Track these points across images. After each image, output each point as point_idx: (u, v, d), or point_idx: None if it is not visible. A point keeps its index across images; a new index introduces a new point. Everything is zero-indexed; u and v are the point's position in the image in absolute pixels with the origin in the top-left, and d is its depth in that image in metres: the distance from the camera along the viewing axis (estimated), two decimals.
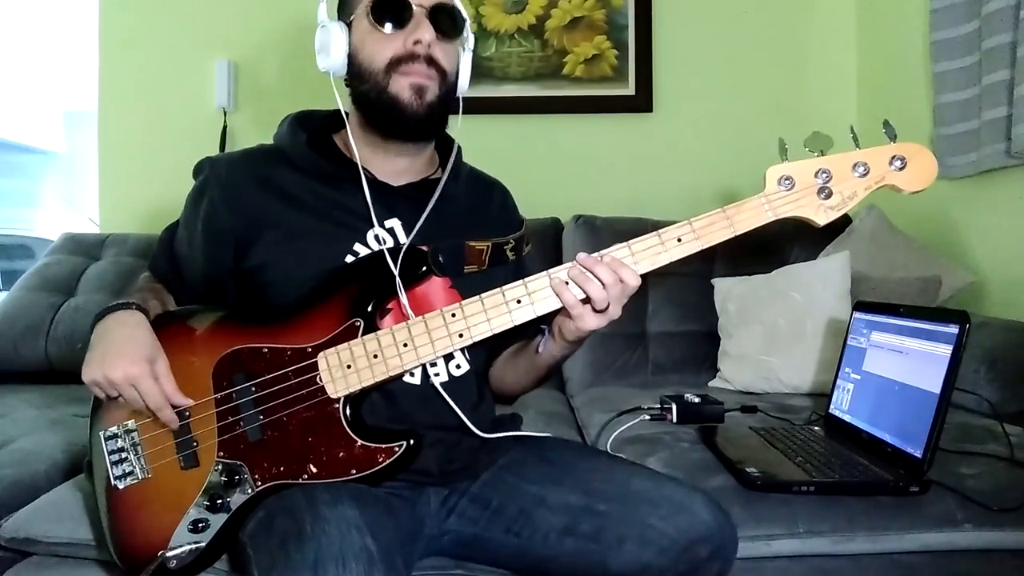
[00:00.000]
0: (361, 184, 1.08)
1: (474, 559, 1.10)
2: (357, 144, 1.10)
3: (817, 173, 0.97)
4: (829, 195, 0.97)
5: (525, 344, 1.17)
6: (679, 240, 0.98)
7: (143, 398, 0.96)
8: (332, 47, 1.07)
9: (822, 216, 0.97)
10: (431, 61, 1.05)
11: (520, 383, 1.20)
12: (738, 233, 0.97)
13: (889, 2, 2.44)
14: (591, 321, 0.97)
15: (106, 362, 0.95)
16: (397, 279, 1.00)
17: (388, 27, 1.04)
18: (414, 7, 1.04)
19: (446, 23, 1.07)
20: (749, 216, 0.97)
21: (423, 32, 1.04)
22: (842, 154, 0.98)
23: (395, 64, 1.05)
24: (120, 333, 0.98)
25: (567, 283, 0.97)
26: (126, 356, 0.95)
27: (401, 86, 1.05)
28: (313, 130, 1.14)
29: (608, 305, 0.96)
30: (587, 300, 0.97)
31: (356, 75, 1.08)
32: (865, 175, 0.97)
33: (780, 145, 0.98)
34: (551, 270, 0.98)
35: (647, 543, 0.95)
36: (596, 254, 0.97)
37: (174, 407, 0.98)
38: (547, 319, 1.05)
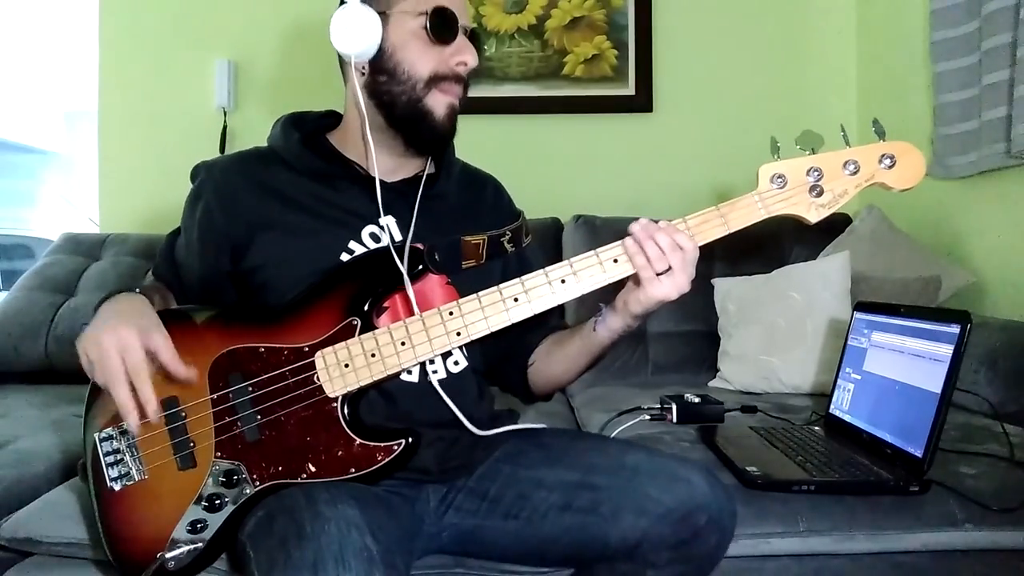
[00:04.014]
0: (356, 182, 1.09)
1: (474, 554, 1.10)
2: (355, 139, 1.10)
3: (809, 171, 0.98)
4: (820, 193, 0.98)
5: (569, 333, 1.16)
6: None
7: (125, 365, 0.90)
8: (364, 33, 1.02)
9: (813, 214, 0.98)
10: (465, 84, 1.09)
11: (571, 370, 1.17)
12: (732, 231, 0.98)
13: (889, 2, 2.44)
14: (659, 289, 0.97)
15: (100, 327, 0.93)
16: (405, 275, 1.00)
17: (440, 41, 1.05)
18: (461, 27, 1.06)
19: (478, 45, 1.10)
20: (742, 214, 0.98)
21: (469, 56, 1.07)
22: (833, 152, 0.98)
23: (437, 79, 1.06)
24: (120, 307, 0.98)
25: (639, 244, 0.97)
26: (121, 321, 0.93)
27: (438, 102, 1.06)
28: (306, 131, 1.14)
29: (668, 267, 0.96)
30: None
31: (388, 73, 1.06)
32: (855, 173, 0.98)
33: (772, 143, 0.99)
34: (549, 268, 0.99)
35: (644, 513, 0.96)
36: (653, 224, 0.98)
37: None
38: (606, 300, 1.05)
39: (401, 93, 1.06)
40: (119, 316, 0.95)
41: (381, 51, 1.05)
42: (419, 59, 1.05)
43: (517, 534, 1.04)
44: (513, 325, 0.99)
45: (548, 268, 0.99)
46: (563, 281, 0.98)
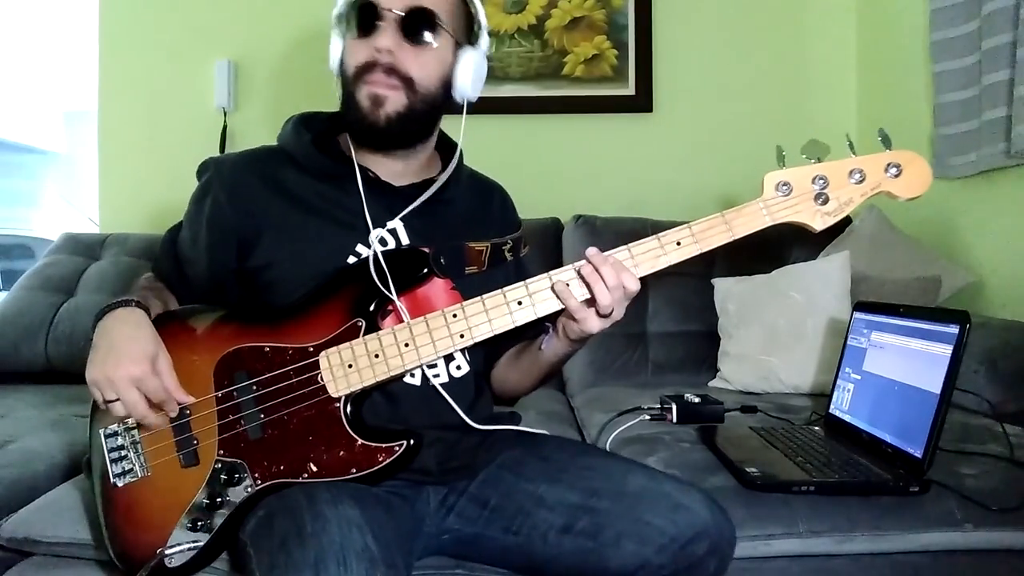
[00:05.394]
0: (365, 185, 1.08)
1: (474, 558, 1.10)
2: (354, 145, 1.10)
3: (814, 179, 0.98)
4: (826, 201, 0.98)
5: (527, 345, 1.17)
6: (678, 244, 0.98)
7: (148, 395, 0.95)
8: (331, 52, 1.09)
9: (819, 222, 0.98)
10: (391, 70, 1.04)
11: (523, 383, 1.21)
12: (736, 237, 0.99)
13: (889, 2, 2.45)
14: (595, 323, 0.98)
15: (108, 363, 0.94)
16: (389, 283, 1.00)
17: (356, 33, 1.05)
18: (384, 13, 1.03)
19: (417, 28, 1.04)
20: (747, 221, 0.98)
21: (381, 39, 1.03)
22: (838, 161, 0.99)
23: (361, 72, 1.05)
24: (121, 332, 0.98)
25: (568, 285, 0.97)
26: (128, 356, 0.95)
27: (362, 93, 1.04)
28: (317, 131, 1.14)
29: (612, 309, 0.97)
30: (590, 302, 0.97)
31: (340, 80, 1.09)
32: (861, 182, 0.98)
33: (778, 152, 0.99)
34: (552, 272, 0.99)
35: (645, 541, 0.96)
36: (603, 254, 0.97)
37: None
38: (551, 318, 1.05)
39: (344, 93, 1.07)
40: (122, 347, 0.96)
41: (340, 63, 1.09)
42: (349, 56, 1.06)
43: (517, 550, 1.04)
44: None
45: (552, 272, 0.99)
46: (567, 284, 0.98)
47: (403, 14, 1.03)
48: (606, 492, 1.02)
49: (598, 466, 1.08)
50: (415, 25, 1.04)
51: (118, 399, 0.95)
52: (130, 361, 0.94)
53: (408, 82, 1.05)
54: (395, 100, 1.04)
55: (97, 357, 0.96)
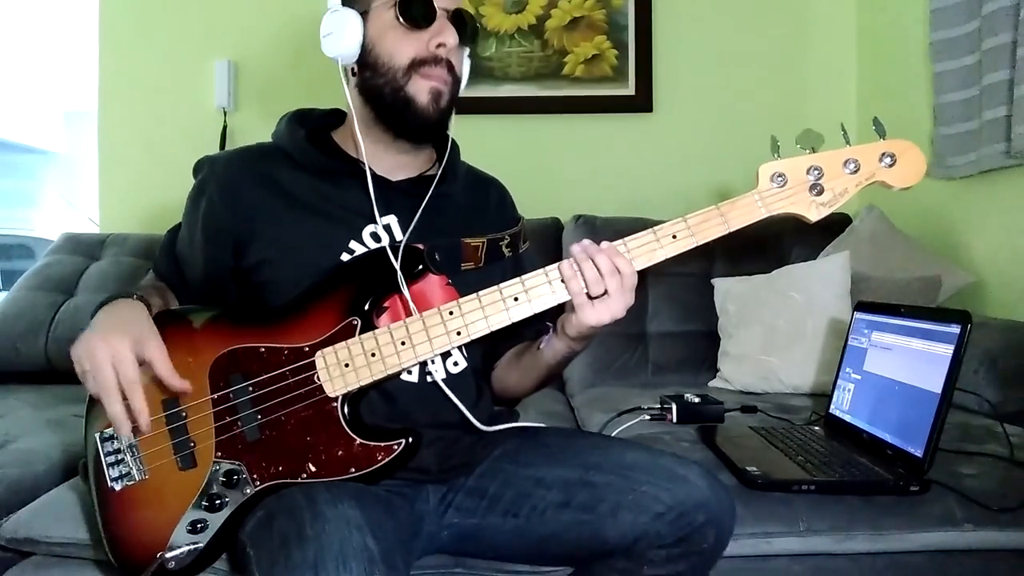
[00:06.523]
0: (359, 180, 1.08)
1: (474, 553, 1.10)
2: (358, 137, 1.10)
3: (809, 170, 0.98)
4: (821, 192, 0.98)
5: (528, 345, 1.17)
6: (674, 236, 0.98)
7: (120, 379, 0.91)
8: (346, 34, 1.05)
9: (814, 212, 0.98)
10: (450, 67, 1.06)
11: (523, 384, 1.20)
12: (732, 229, 0.98)
13: (889, 2, 2.44)
14: (591, 315, 0.97)
15: (93, 336, 0.93)
16: (399, 274, 1.00)
17: (414, 25, 1.04)
18: (438, 9, 1.05)
19: (466, 29, 1.08)
20: (742, 213, 0.98)
21: (448, 36, 1.04)
22: (833, 151, 0.98)
23: (417, 64, 1.05)
24: (116, 315, 0.98)
25: (575, 271, 0.96)
26: (116, 331, 0.94)
27: (419, 88, 1.05)
28: (311, 127, 1.14)
29: (604, 291, 0.95)
30: (588, 296, 0.97)
31: (371, 67, 1.06)
32: (856, 172, 0.98)
33: (772, 142, 0.99)
34: (548, 267, 0.98)
35: (642, 511, 0.96)
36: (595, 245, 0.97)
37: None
38: (551, 318, 1.05)
39: (384, 84, 1.06)
40: (114, 325, 0.95)
41: (364, 48, 1.06)
42: (397, 48, 1.05)
43: (516, 532, 1.04)
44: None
45: (547, 268, 0.99)
46: (562, 281, 0.98)
47: (453, 12, 1.06)
48: (604, 466, 1.02)
49: (596, 444, 1.09)
50: (463, 25, 1.07)
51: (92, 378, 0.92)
52: (116, 336, 0.93)
53: (456, 80, 1.09)
54: (447, 95, 1.07)
55: (85, 334, 0.95)
